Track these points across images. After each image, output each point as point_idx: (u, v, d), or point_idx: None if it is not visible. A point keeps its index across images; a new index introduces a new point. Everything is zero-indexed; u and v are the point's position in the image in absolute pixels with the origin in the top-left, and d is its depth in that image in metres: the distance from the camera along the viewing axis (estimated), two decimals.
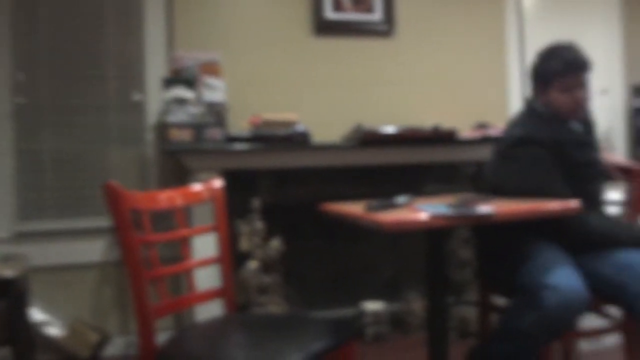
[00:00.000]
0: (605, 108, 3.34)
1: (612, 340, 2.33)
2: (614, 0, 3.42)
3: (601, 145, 2.02)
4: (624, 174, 1.96)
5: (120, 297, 2.58)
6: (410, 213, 1.46)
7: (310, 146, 2.49)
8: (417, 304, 2.67)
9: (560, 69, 1.78)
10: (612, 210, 1.97)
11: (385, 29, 2.84)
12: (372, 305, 2.64)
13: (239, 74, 2.63)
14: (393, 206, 1.58)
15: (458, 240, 2.66)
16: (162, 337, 1.38)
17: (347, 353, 1.42)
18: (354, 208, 1.67)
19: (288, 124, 2.44)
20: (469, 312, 2.57)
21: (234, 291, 1.78)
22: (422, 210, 1.45)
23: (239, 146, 2.37)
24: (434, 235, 1.75)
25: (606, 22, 3.43)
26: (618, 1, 3.42)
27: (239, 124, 2.51)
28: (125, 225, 1.36)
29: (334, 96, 2.78)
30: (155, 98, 2.59)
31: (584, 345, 2.43)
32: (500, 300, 1.99)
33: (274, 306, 2.38)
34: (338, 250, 2.73)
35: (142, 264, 1.37)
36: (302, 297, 2.61)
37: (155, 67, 2.61)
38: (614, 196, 2.20)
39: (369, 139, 2.49)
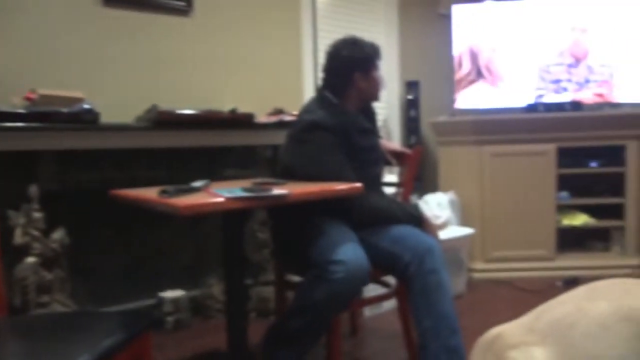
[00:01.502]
0: (383, 100, 3.74)
1: (390, 304, 2.65)
2: (393, 5, 3.83)
3: (380, 133, 2.26)
4: (398, 158, 2.22)
5: None
6: (207, 197, 1.44)
7: (99, 126, 2.28)
8: (217, 288, 2.67)
9: (374, 54, 1.95)
10: (389, 190, 2.21)
11: (183, 6, 2.74)
12: (171, 294, 2.56)
13: (10, 41, 2.27)
14: (189, 191, 1.55)
15: (256, 222, 2.72)
16: None
17: (142, 345, 1.35)
18: (149, 194, 1.59)
19: (72, 101, 2.20)
20: (268, 292, 2.66)
21: (7, 292, 1.55)
22: (218, 194, 1.44)
23: (9, 124, 2.05)
24: (230, 218, 1.76)
25: (386, 24, 3.83)
26: (396, 6, 3.84)
27: (10, 100, 2.17)
28: None
29: (127, 74, 2.58)
30: None
31: (367, 311, 2.71)
32: (295, 278, 2.10)
33: (58, 305, 2.14)
34: (132, 239, 2.57)
35: None
36: (93, 293, 2.41)
37: None
38: (390, 178, 2.49)
39: (163, 120, 2.39)
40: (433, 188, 3.59)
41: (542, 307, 1.01)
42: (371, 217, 1.86)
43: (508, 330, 0.97)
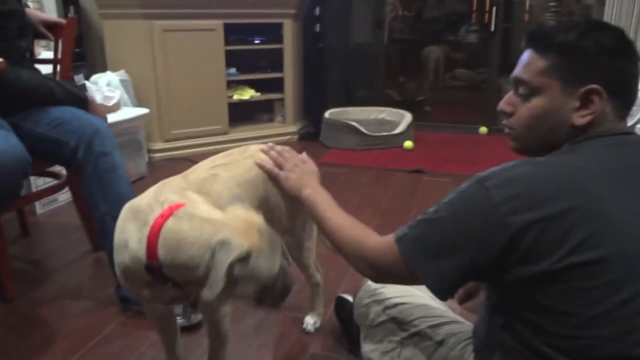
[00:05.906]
0: None
1: (67, 196, 2.44)
2: None
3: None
4: (51, 30, 1.91)
5: None
6: None
7: None
8: None
9: None
10: (45, 69, 1.91)
11: None
12: None
13: None
14: None
15: None
16: None
17: None
18: None
19: None
20: None
21: None
22: None
23: None
24: None
25: None
26: None
27: None
28: None
29: None
30: None
31: (39, 208, 2.45)
32: None
33: None
34: None
35: None
36: None
37: None
38: (46, 55, 2.16)
39: None
40: (102, 68, 3.29)
41: (185, 172, 1.21)
42: (22, 97, 1.57)
43: (173, 180, 1.15)
